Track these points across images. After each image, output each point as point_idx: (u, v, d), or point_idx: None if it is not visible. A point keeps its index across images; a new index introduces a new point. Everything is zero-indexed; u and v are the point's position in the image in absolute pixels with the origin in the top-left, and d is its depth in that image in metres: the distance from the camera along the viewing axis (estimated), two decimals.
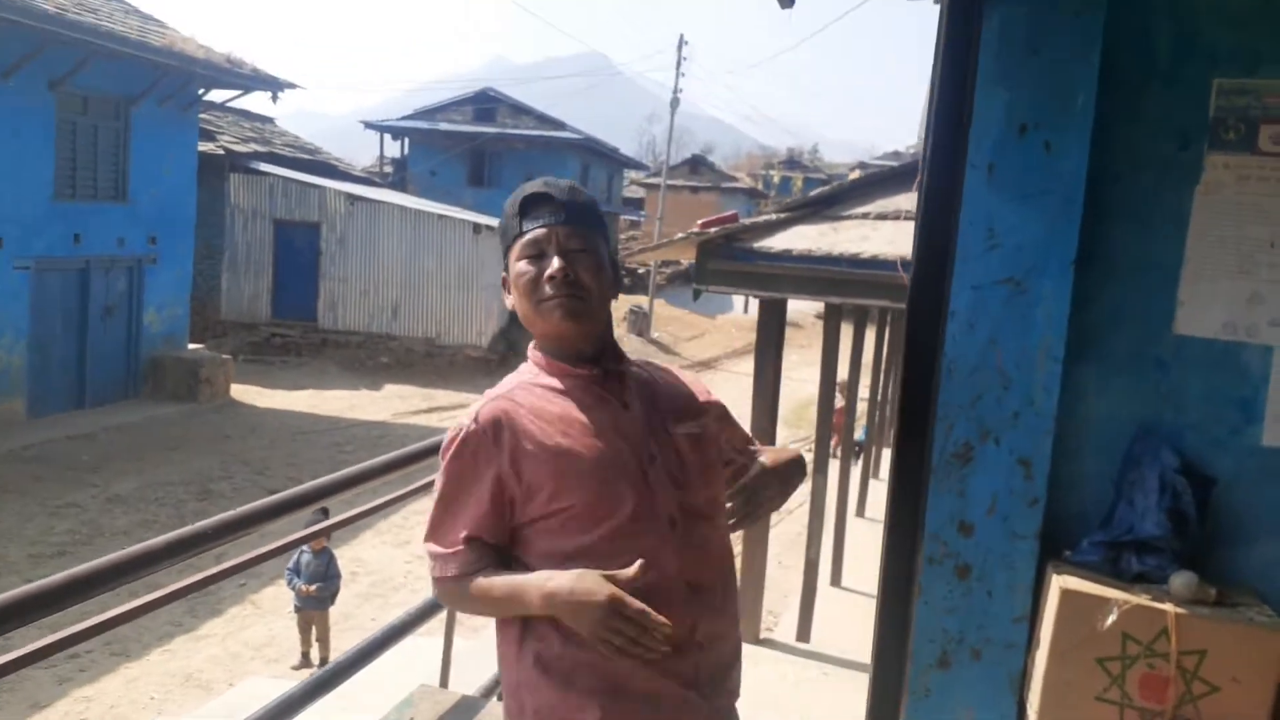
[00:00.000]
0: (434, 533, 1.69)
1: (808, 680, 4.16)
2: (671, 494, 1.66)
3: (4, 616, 1.55)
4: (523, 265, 1.65)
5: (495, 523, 1.65)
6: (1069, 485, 2.30)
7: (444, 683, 3.30)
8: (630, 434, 1.66)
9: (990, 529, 2.30)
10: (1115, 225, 2.22)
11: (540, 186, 1.68)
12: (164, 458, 12.70)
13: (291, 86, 17.61)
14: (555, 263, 1.62)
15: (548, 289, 1.63)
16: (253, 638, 7.85)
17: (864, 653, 6.08)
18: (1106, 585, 2.13)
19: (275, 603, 8.25)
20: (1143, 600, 2.05)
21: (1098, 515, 2.27)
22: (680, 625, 1.55)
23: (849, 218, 4.10)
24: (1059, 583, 2.16)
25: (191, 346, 17.19)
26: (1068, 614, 2.12)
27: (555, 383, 1.68)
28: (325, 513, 4.48)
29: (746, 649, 5.11)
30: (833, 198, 4.35)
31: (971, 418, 2.24)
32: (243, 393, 16.96)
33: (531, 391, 1.68)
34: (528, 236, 1.65)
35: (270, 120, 26.41)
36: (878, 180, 4.38)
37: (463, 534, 1.65)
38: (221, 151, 20.66)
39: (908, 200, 3.83)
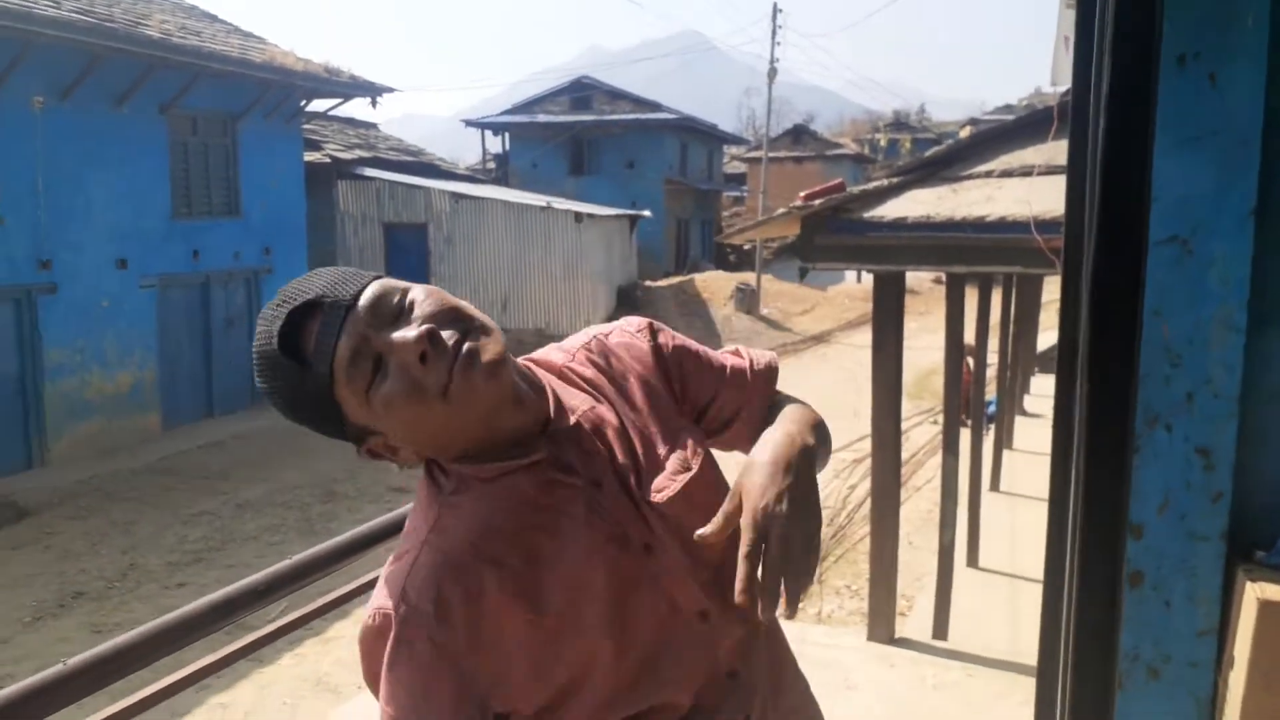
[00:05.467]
0: None
1: (950, 684, 3.84)
2: (689, 577, 1.16)
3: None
4: (387, 388, 1.03)
5: None
6: (1258, 475, 1.96)
7: None
8: (617, 527, 1.13)
9: (1164, 530, 1.97)
10: None
11: (283, 304, 1.05)
12: (289, 462, 13.02)
13: (389, 90, 17.87)
14: (411, 333, 1.03)
15: (434, 372, 1.02)
16: None
17: (1009, 648, 5.75)
18: None
19: None
20: None
21: None
22: None
23: (969, 177, 3.73)
24: (1255, 592, 1.83)
25: None
26: (1270, 629, 1.79)
27: (495, 495, 1.11)
28: None
29: (880, 650, 4.75)
30: (949, 157, 3.97)
31: (1135, 403, 1.92)
32: None
33: (464, 515, 1.10)
34: (339, 368, 1.03)
35: (374, 126, 26.99)
36: (999, 134, 4.00)
37: None
38: (328, 160, 21.14)
39: (1035, 154, 3.48)
